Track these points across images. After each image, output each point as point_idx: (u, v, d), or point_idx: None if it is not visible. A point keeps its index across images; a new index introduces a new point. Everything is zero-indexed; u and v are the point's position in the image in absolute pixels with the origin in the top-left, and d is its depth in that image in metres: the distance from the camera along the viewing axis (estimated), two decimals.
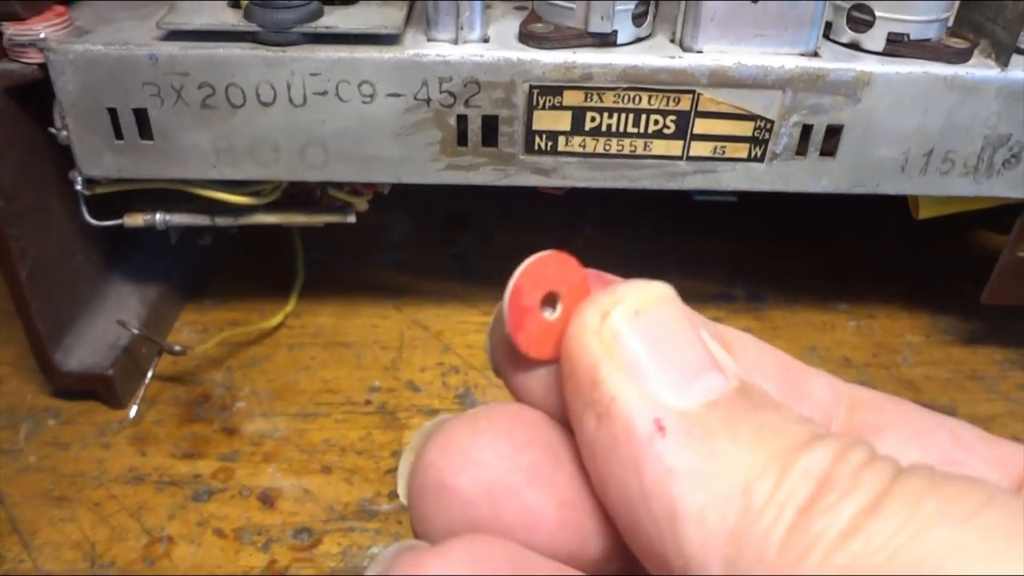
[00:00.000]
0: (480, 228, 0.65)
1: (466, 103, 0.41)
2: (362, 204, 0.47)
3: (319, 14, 0.40)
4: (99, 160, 0.43)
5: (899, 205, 0.50)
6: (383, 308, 0.57)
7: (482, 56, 0.40)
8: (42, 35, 0.40)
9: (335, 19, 0.40)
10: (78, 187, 0.45)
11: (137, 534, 0.42)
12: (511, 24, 0.43)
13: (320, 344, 0.54)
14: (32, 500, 0.43)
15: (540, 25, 0.42)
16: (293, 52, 0.40)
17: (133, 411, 0.48)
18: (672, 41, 0.42)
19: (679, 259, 0.63)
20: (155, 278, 0.54)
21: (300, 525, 0.42)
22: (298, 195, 0.48)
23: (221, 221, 0.48)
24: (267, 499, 0.43)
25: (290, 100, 0.41)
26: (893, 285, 0.60)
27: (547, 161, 0.43)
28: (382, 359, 0.53)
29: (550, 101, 0.42)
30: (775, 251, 0.64)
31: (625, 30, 0.41)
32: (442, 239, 0.65)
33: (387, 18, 0.41)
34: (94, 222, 0.46)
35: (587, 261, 0.19)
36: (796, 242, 0.65)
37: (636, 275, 0.18)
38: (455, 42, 0.41)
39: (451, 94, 0.41)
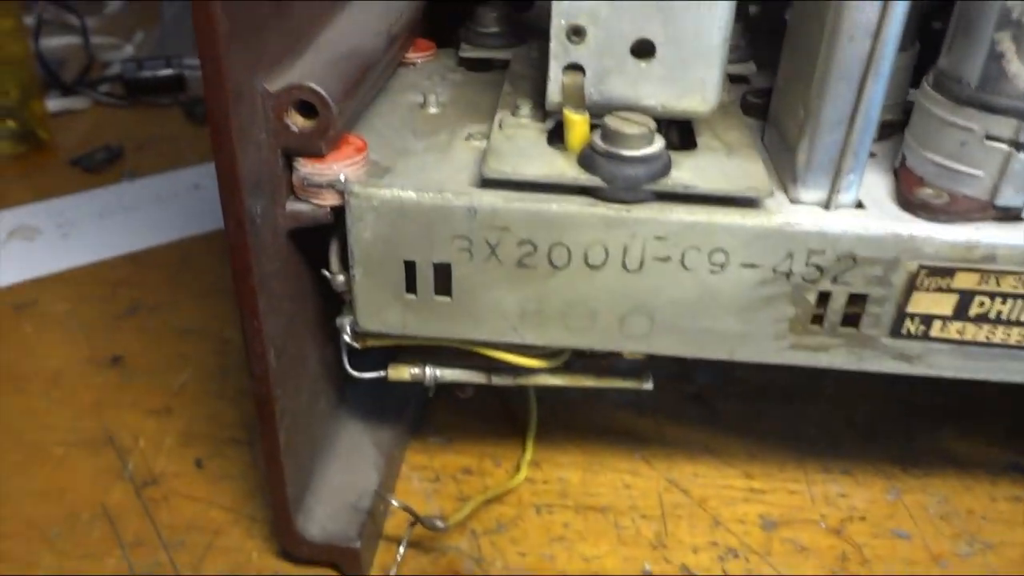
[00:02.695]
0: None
1: (834, 279, 0.34)
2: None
3: (669, 168, 0.33)
4: (382, 314, 0.37)
5: None
6: (631, 460, 0.50)
7: (866, 229, 0.33)
8: (342, 176, 0.34)
9: (688, 173, 0.34)
10: (346, 338, 0.39)
11: None
12: (878, 181, 0.36)
13: (570, 507, 0.47)
14: None
15: (930, 191, 0.34)
16: (640, 212, 0.33)
17: None
18: None
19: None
20: (385, 417, 0.48)
21: None
22: (584, 354, 0.41)
23: (498, 380, 0.41)
24: None
25: (623, 264, 0.34)
26: None
27: (914, 347, 0.36)
28: (645, 532, 0.46)
29: (936, 283, 0.34)
30: None
31: None
32: (676, 370, 0.57)
33: (750, 175, 0.34)
34: (356, 374, 0.40)
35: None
36: None
37: None
38: (826, 206, 0.34)
39: (819, 268, 0.34)
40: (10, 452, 0.49)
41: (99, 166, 0.78)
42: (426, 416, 0.52)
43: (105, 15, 1.14)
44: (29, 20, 0.94)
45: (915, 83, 0.40)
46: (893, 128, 0.40)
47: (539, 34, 0.47)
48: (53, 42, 1.01)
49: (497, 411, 0.52)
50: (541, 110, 0.37)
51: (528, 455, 0.49)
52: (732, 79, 0.44)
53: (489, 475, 0.49)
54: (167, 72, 0.91)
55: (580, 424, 0.52)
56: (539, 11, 0.48)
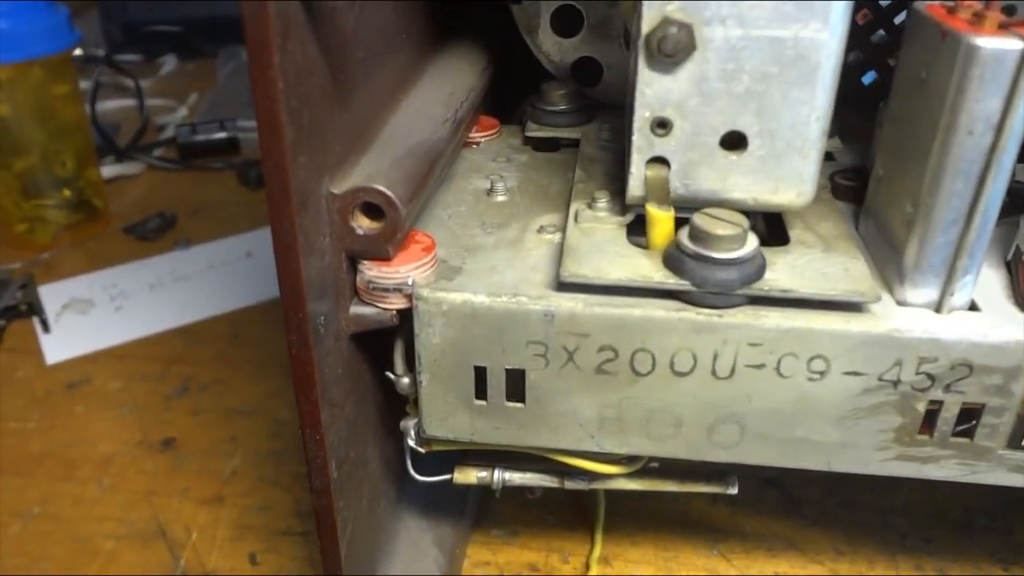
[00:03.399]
0: None
1: (947, 388, 0.31)
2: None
3: (764, 269, 0.31)
4: (450, 420, 0.34)
5: None
6: (708, 557, 0.47)
7: (984, 336, 0.30)
8: (410, 280, 0.32)
9: (785, 275, 0.31)
10: (410, 443, 0.36)
11: None
12: (991, 276, 0.33)
13: None
14: None
15: None
16: (732, 317, 0.31)
17: None
18: None
19: None
20: (446, 511, 0.45)
21: None
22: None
23: (571, 485, 0.38)
24: None
25: (713, 371, 0.32)
26: None
27: None
28: None
29: None
30: None
31: None
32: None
33: (853, 276, 0.31)
34: (420, 478, 0.38)
35: None
36: None
37: None
38: (938, 309, 0.31)
39: (930, 377, 0.31)
40: (59, 546, 0.48)
41: (152, 234, 0.78)
42: (489, 506, 0.50)
43: (160, 77, 1.15)
44: (86, 84, 0.95)
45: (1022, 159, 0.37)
46: (1003, 210, 0.37)
47: (608, 110, 0.45)
48: (108, 105, 1.02)
49: (563, 501, 0.49)
50: (619, 201, 0.34)
51: (597, 551, 0.46)
52: None
53: (557, 572, 0.46)
54: (221, 135, 0.91)
55: (651, 514, 0.49)
56: (606, 87, 0.46)
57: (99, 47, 1.16)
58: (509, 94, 0.48)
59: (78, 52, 1.06)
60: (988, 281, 0.33)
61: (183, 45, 1.20)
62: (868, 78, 0.53)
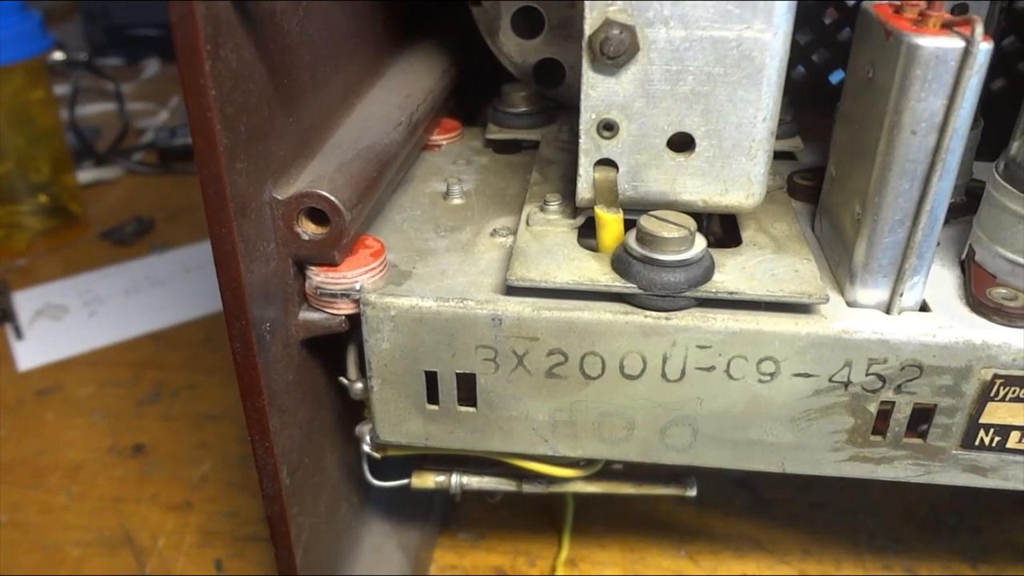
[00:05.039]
0: None
1: (897, 389, 0.31)
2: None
3: (712, 271, 0.31)
4: (403, 425, 0.34)
5: None
6: (675, 558, 0.47)
7: (934, 336, 0.30)
8: (358, 285, 0.32)
9: (733, 277, 0.31)
10: (366, 448, 0.36)
11: None
12: (942, 274, 0.33)
13: None
14: None
15: (1004, 291, 0.31)
16: (680, 320, 0.30)
17: None
18: None
19: None
20: (411, 516, 0.45)
21: None
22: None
23: (529, 488, 0.38)
24: None
25: (663, 374, 0.31)
26: None
27: (988, 459, 0.32)
28: None
29: (1014, 392, 0.31)
30: None
31: None
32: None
33: (802, 277, 0.31)
34: (376, 483, 0.38)
35: None
36: None
37: None
38: (888, 310, 0.31)
39: (880, 378, 0.31)
40: (27, 554, 0.47)
41: (129, 239, 0.77)
42: (455, 510, 0.49)
43: (142, 80, 1.15)
44: (65, 88, 0.94)
45: (979, 156, 0.37)
46: (957, 211, 0.37)
47: (569, 111, 0.44)
48: (89, 109, 1.01)
49: (530, 504, 0.49)
50: (571, 205, 0.34)
51: (564, 553, 0.46)
52: (777, 156, 0.41)
53: (523, 574, 0.46)
54: None
55: (619, 516, 0.49)
56: (568, 88, 0.45)
57: (81, 51, 1.16)
58: (474, 96, 0.48)
59: (59, 56, 1.05)
60: (942, 281, 0.33)
61: (166, 48, 1.20)
62: (836, 77, 0.53)
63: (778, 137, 0.41)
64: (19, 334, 0.65)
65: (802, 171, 0.39)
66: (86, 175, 0.87)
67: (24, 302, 0.69)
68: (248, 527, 0.48)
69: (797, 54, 0.52)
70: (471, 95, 0.48)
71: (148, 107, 1.06)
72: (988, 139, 0.36)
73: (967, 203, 0.37)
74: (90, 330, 0.65)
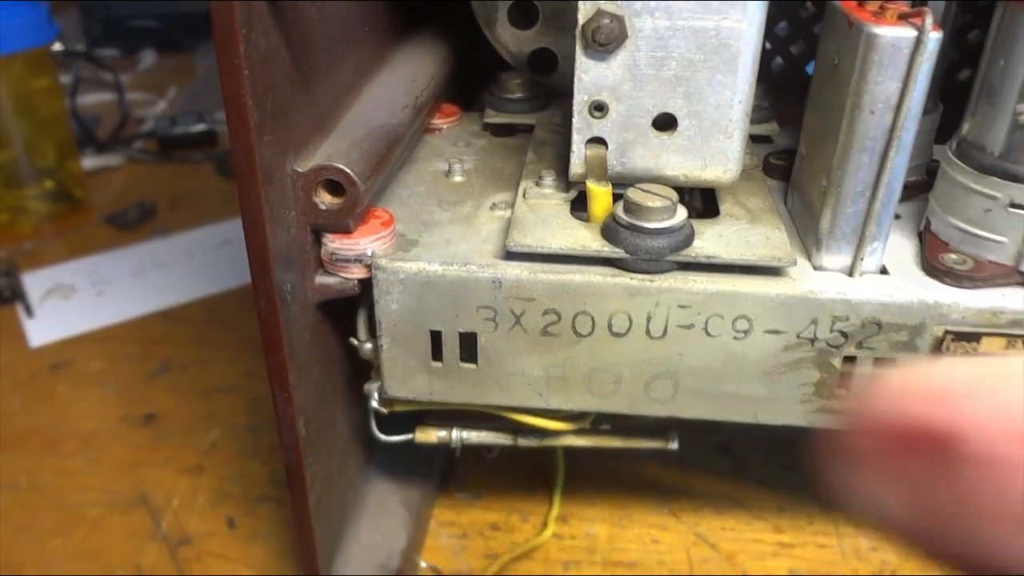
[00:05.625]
0: None
1: (859, 345, 0.34)
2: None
3: (692, 238, 0.34)
4: (409, 381, 0.37)
5: None
6: (659, 515, 0.50)
7: (891, 296, 0.33)
8: (369, 251, 0.35)
9: (711, 243, 0.34)
10: (373, 404, 0.39)
11: None
12: (902, 244, 0.36)
13: (597, 562, 0.47)
14: None
15: (955, 257, 0.34)
16: (663, 282, 0.34)
17: None
18: None
19: None
20: (413, 475, 0.48)
21: None
22: (609, 415, 0.41)
23: (524, 442, 0.41)
24: None
25: (647, 332, 0.35)
26: None
27: None
28: None
29: (963, 348, 0.34)
30: None
31: None
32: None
33: (773, 244, 0.34)
34: (383, 438, 0.41)
35: None
36: None
37: None
38: (850, 273, 0.34)
39: (843, 334, 0.34)
40: (46, 515, 0.50)
41: (133, 223, 0.80)
42: (453, 472, 0.52)
43: (139, 71, 1.17)
44: (66, 79, 0.96)
45: (940, 139, 0.40)
46: (917, 189, 0.40)
47: (562, 98, 0.48)
48: (88, 99, 1.03)
49: (524, 465, 0.52)
50: (564, 180, 0.37)
51: (555, 510, 0.49)
52: (755, 139, 0.45)
53: (517, 531, 0.49)
54: (200, 128, 0.93)
55: (607, 477, 0.52)
56: (561, 76, 0.48)
57: (79, 42, 1.18)
58: (472, 84, 0.51)
59: (58, 47, 1.07)
60: (901, 250, 0.36)
61: (162, 40, 1.22)
62: (812, 68, 0.57)
63: (755, 122, 0.44)
64: (30, 312, 0.68)
65: (777, 152, 0.43)
66: (88, 162, 0.89)
67: (33, 283, 0.72)
68: (258, 488, 0.51)
69: (776, 46, 0.55)
70: (469, 83, 0.51)
71: (146, 97, 1.08)
72: (952, 124, 0.40)
73: (927, 182, 0.40)
74: (98, 309, 0.68)
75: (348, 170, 0.33)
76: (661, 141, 0.34)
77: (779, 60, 0.57)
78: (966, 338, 0.34)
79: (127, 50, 1.22)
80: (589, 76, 0.33)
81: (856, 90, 0.31)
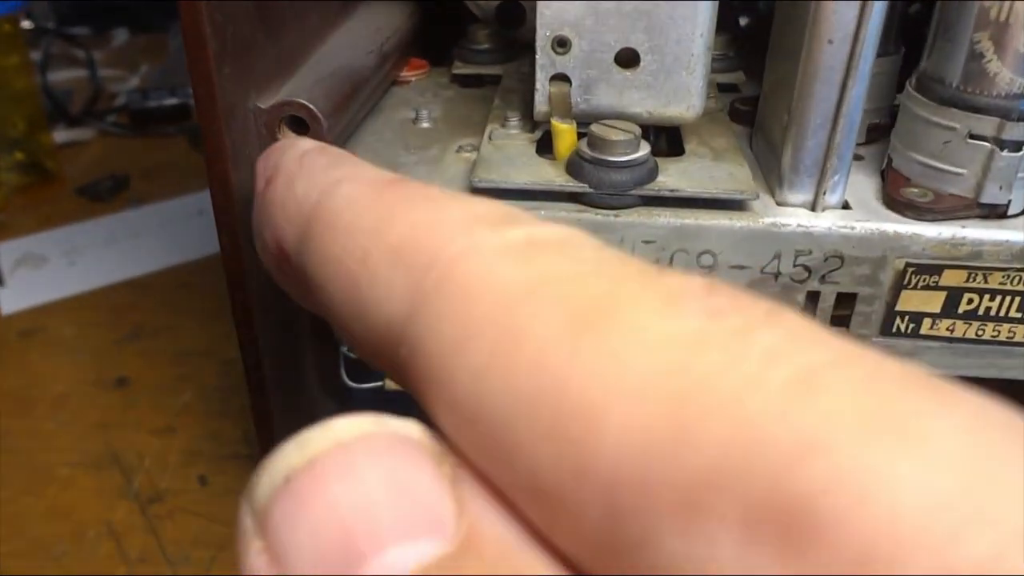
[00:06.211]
0: None
1: (822, 279, 0.35)
2: None
3: (656, 173, 0.34)
4: None
5: None
6: None
7: (852, 228, 0.34)
8: None
9: (674, 178, 0.34)
10: (343, 349, 0.39)
11: None
12: (865, 183, 0.37)
13: None
14: None
15: (915, 191, 0.35)
16: (627, 216, 0.34)
17: None
18: None
19: None
20: None
21: None
22: None
23: None
24: None
25: None
26: None
27: (904, 344, 0.36)
28: None
29: (924, 280, 0.34)
30: None
31: (1019, 200, 0.34)
32: None
33: (736, 178, 0.34)
34: (353, 385, 0.41)
35: None
36: None
37: None
38: (812, 207, 0.34)
39: (806, 268, 0.34)
40: (17, 474, 0.50)
41: (105, 195, 0.79)
42: (430, 424, 0.52)
43: (111, 48, 1.16)
44: (36, 55, 0.96)
45: (902, 87, 0.40)
46: (881, 132, 0.40)
47: (530, 50, 0.48)
48: (60, 75, 1.02)
49: None
50: (530, 121, 0.37)
51: None
52: (722, 88, 0.45)
53: None
54: (172, 101, 0.93)
55: None
56: (528, 31, 0.48)
57: (49, 20, 1.16)
58: (443, 48, 0.51)
59: (28, 25, 1.07)
60: (864, 188, 0.37)
61: (134, 19, 1.21)
62: None
63: (723, 71, 0.45)
64: (1, 282, 0.67)
65: (743, 99, 0.43)
66: (60, 136, 0.88)
67: (3, 252, 0.71)
68: (230, 447, 0.51)
69: (744, 3, 0.55)
70: (440, 48, 0.51)
71: (118, 74, 1.07)
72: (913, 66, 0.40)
73: (889, 125, 0.41)
74: (70, 278, 0.68)
75: (311, 106, 0.33)
76: (624, 77, 0.35)
77: (745, 19, 0.57)
78: (927, 271, 0.34)
79: (98, 29, 1.20)
80: (551, 11, 0.34)
81: (814, 19, 0.31)
